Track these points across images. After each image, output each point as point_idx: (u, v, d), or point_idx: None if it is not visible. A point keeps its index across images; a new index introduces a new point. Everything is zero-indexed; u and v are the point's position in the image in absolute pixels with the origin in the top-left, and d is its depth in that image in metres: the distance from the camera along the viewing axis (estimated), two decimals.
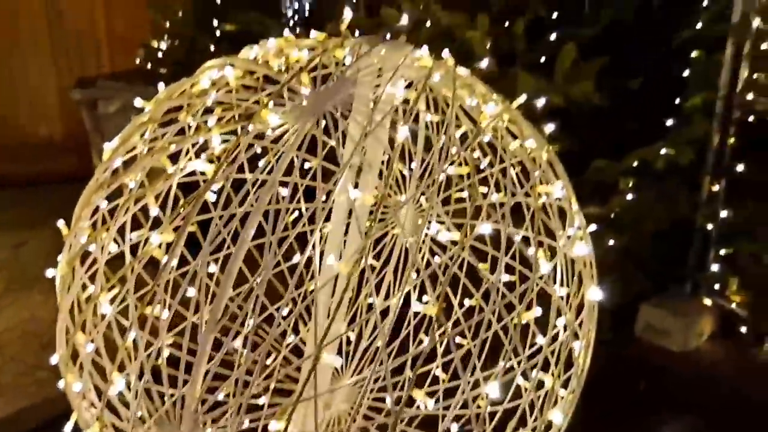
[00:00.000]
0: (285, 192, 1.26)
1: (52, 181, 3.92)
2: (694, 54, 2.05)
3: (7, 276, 2.76)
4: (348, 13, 2.62)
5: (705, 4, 2.14)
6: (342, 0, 2.87)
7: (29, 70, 4.16)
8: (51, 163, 4.09)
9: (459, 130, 1.17)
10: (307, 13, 3.47)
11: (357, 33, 2.83)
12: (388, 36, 2.45)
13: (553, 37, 1.97)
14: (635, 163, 1.89)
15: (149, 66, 3.77)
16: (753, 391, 1.98)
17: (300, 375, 1.18)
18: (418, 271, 1.25)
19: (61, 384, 0.98)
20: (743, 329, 2.23)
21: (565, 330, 0.95)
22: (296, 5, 3.55)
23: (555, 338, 0.99)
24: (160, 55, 3.70)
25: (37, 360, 2.15)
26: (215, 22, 3.40)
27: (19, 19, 4.02)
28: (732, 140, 2.15)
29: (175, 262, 1.15)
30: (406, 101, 1.00)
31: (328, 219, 1.12)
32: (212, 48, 3.33)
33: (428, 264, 1.40)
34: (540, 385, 0.96)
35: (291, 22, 3.43)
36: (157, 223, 0.95)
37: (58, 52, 4.13)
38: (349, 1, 2.82)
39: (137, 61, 3.89)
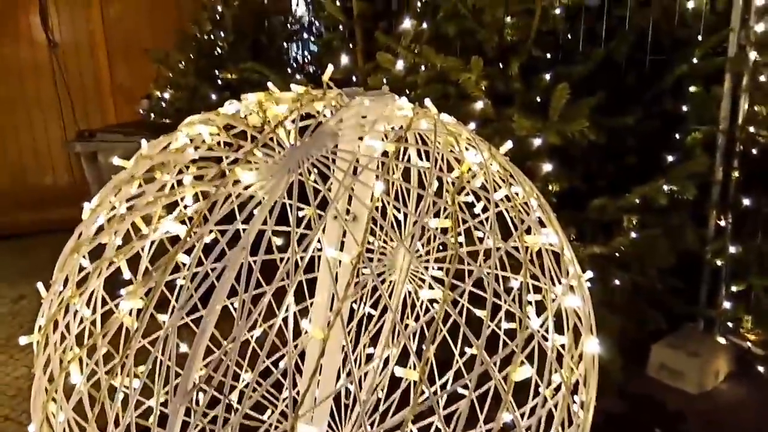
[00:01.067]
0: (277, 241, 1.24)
1: (56, 229, 3.92)
2: (691, 89, 2.03)
3: (6, 331, 2.73)
4: (345, 60, 2.62)
5: (699, 38, 2.13)
6: (340, 47, 2.89)
7: (34, 123, 4.23)
8: (54, 212, 4.11)
9: (452, 174, 1.15)
10: (308, 61, 3.50)
11: (354, 78, 2.84)
12: (385, 80, 2.46)
13: (547, 76, 1.95)
14: (637, 200, 1.85)
15: (152, 116, 3.81)
16: None
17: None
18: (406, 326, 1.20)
19: None
20: (761, 368, 2.15)
21: (559, 388, 0.90)
22: (297, 54, 3.59)
23: (557, 390, 0.94)
24: (163, 104, 3.74)
25: (30, 420, 2.10)
26: (216, 72, 3.44)
27: (25, 74, 4.10)
28: (736, 174, 2.11)
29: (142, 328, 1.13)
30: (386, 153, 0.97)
31: (308, 271, 1.09)
32: (214, 96, 3.36)
33: (427, 310, 1.36)
34: None
35: (290, 71, 3.46)
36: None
37: (63, 105, 4.20)
38: (346, 48, 2.84)
39: (141, 111, 3.94)
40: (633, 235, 1.87)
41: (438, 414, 0.74)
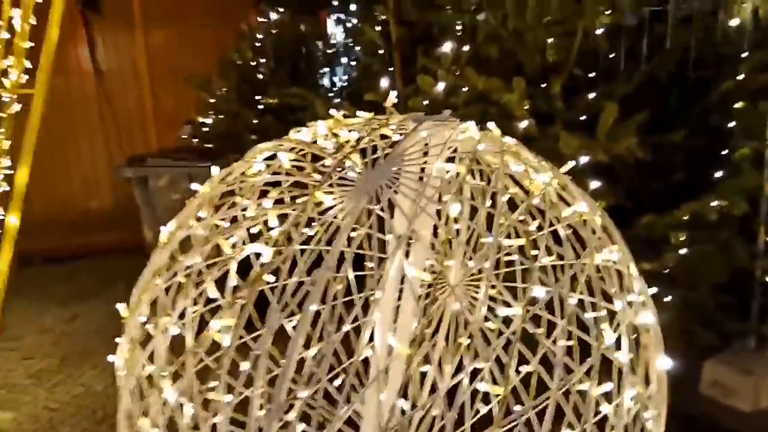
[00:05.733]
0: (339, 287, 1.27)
1: (103, 252, 4.04)
2: (737, 105, 2.03)
3: (62, 351, 2.82)
4: (385, 84, 2.68)
5: (744, 54, 2.13)
6: (379, 71, 2.95)
7: (81, 150, 4.38)
8: (101, 235, 4.24)
9: (506, 194, 1.18)
10: (346, 85, 3.58)
11: (394, 98, 2.90)
12: (425, 102, 2.50)
13: (591, 95, 1.97)
14: (686, 217, 1.85)
15: (195, 141, 3.92)
16: None
17: None
18: (472, 339, 1.22)
19: None
20: None
21: (635, 402, 0.92)
22: (335, 78, 3.67)
23: (618, 406, 0.95)
24: (205, 129, 3.85)
25: None
26: (257, 97, 3.54)
27: (73, 104, 4.26)
28: None
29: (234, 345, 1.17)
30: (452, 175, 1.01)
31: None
32: (255, 121, 3.46)
33: (485, 338, 1.38)
34: None
35: (330, 94, 3.54)
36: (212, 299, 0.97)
37: (109, 132, 4.34)
38: (386, 71, 2.91)
39: (183, 137, 4.06)
40: (682, 251, 1.86)
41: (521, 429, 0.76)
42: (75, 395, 2.44)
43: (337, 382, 1.32)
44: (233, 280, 0.91)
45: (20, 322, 3.13)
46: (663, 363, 0.94)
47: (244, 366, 1.04)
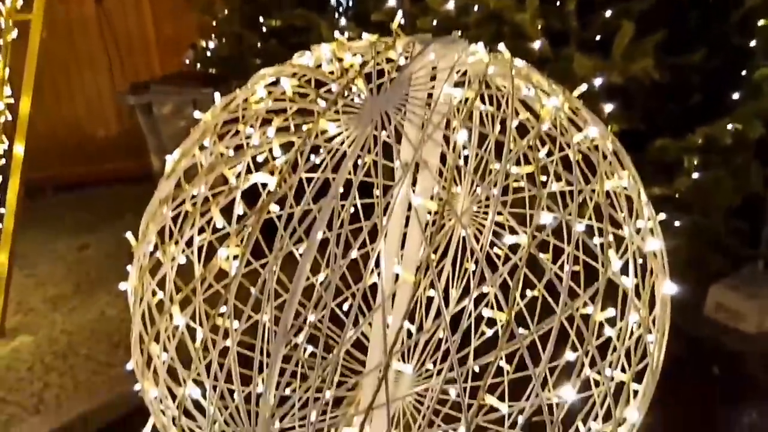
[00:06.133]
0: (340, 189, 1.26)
1: (110, 181, 4.06)
2: (760, 23, 1.94)
3: (75, 278, 2.88)
4: (392, 2, 2.57)
5: None
6: None
7: (85, 77, 4.31)
8: (109, 163, 4.24)
9: (516, 119, 1.15)
10: (352, 5, 3.45)
11: (401, 18, 2.80)
12: (435, 22, 2.41)
13: (607, 13, 1.89)
14: (700, 140, 1.81)
15: (198, 66, 3.84)
16: None
17: (365, 372, 1.19)
18: (480, 268, 1.23)
19: (137, 387, 1.01)
20: None
21: (638, 326, 0.93)
22: None
23: (622, 330, 0.96)
24: (208, 53, 3.76)
25: (109, 358, 2.24)
26: (261, 19, 3.43)
27: (73, 30, 4.16)
28: None
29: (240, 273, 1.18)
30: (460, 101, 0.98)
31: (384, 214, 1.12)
32: (259, 44, 3.36)
33: (488, 257, 1.38)
34: (611, 380, 0.93)
35: (336, 15, 3.42)
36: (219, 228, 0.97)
37: (111, 58, 4.26)
38: None
39: (186, 62, 3.97)
40: (695, 176, 1.84)
41: (525, 351, 0.77)
42: (91, 320, 2.51)
43: (345, 308, 1.35)
44: (239, 208, 0.91)
45: (34, 249, 3.18)
46: (668, 288, 0.94)
47: (253, 292, 1.05)
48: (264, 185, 1.04)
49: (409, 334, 1.60)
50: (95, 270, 2.93)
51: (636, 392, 0.99)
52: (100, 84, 4.34)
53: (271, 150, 0.97)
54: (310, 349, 1.25)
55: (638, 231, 0.97)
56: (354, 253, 1.23)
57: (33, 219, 3.47)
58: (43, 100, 4.07)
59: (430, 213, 1.17)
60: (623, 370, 0.98)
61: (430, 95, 0.99)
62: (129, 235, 1.10)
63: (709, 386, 1.89)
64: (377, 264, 0.80)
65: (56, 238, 3.33)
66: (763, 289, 2.17)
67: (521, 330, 1.35)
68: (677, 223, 1.83)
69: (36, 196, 3.74)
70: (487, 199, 1.41)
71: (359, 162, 1.24)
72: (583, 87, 1.09)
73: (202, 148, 1.03)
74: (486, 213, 1.40)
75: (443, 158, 1.37)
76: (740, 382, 1.91)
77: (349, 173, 0.85)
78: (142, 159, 3.59)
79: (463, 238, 1.47)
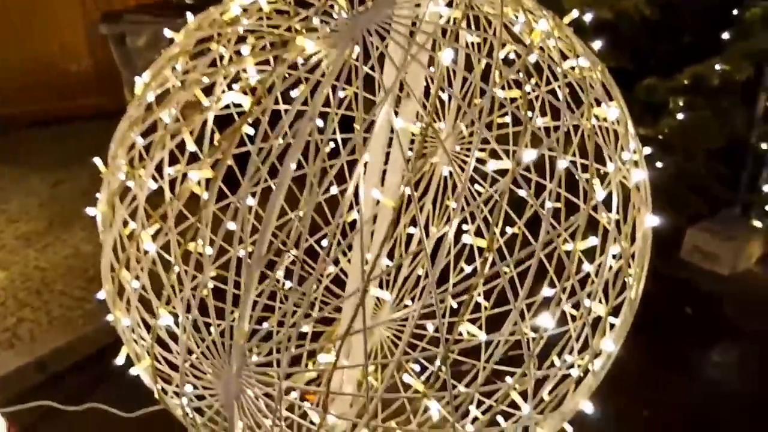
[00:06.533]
0: (320, 123, 1.22)
1: (85, 117, 3.94)
2: None
3: (49, 214, 2.82)
4: None
5: None
6: None
7: (56, 7, 4.11)
8: (83, 99, 4.11)
9: (503, 50, 1.10)
10: None
11: None
12: None
13: None
14: (687, 81, 1.78)
15: None
16: None
17: (344, 305, 1.18)
18: (465, 201, 1.21)
19: (110, 318, 0.99)
20: None
21: (617, 258, 0.92)
22: None
23: (601, 265, 0.96)
24: None
25: (84, 293, 2.22)
26: None
27: None
28: None
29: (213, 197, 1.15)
30: (447, 20, 0.93)
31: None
32: None
33: (470, 193, 1.36)
34: (589, 312, 0.93)
35: None
36: (194, 158, 0.93)
37: None
38: None
39: None
40: (680, 116, 1.82)
41: (506, 284, 0.76)
42: (65, 256, 2.47)
43: (324, 244, 1.32)
44: (211, 131, 0.87)
45: (6, 186, 3.10)
46: (649, 221, 0.93)
47: (232, 226, 1.02)
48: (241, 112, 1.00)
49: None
50: (69, 206, 2.87)
51: (612, 325, 1.00)
52: (71, 14, 4.15)
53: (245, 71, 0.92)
54: (290, 285, 1.24)
55: (623, 163, 0.95)
56: (334, 189, 1.20)
57: (5, 155, 3.37)
58: (12, 33, 3.89)
59: (411, 148, 1.13)
60: (601, 303, 0.98)
61: (417, 16, 0.94)
62: (97, 160, 1.05)
63: (682, 325, 1.93)
64: (357, 192, 0.77)
65: (29, 175, 3.24)
66: (739, 232, 2.20)
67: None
68: (659, 164, 1.82)
69: (9, 133, 3.62)
70: (472, 134, 1.38)
71: (342, 94, 1.19)
72: (575, 13, 1.05)
73: (174, 69, 0.98)
74: (469, 150, 1.37)
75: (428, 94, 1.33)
76: (712, 321, 1.95)
77: (328, 97, 0.81)
78: (118, 94, 3.47)
79: (445, 177, 1.44)
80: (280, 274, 1.38)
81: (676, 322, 1.94)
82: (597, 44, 1.79)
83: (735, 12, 1.95)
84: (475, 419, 1.17)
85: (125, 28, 2.97)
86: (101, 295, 1.02)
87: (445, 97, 1.36)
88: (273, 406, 0.79)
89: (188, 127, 0.85)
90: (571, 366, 0.95)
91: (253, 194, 1.26)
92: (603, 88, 1.00)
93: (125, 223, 0.95)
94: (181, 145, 0.96)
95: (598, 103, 0.97)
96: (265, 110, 0.81)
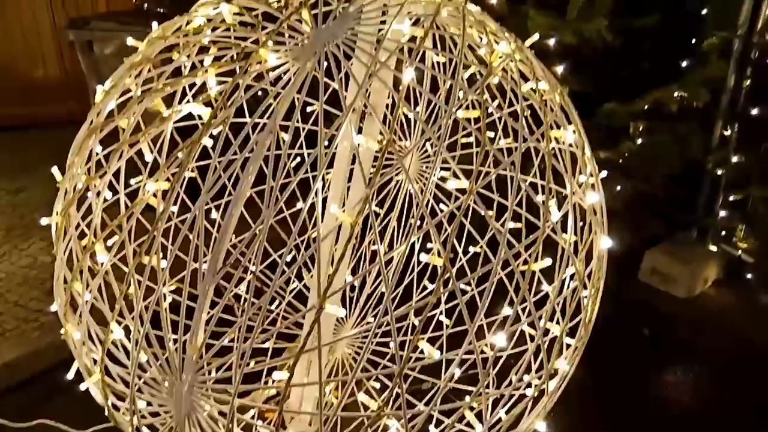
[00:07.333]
0: (286, 137, 1.22)
1: (50, 124, 3.86)
2: None
3: (7, 222, 2.74)
4: None
5: None
6: None
7: (23, 10, 4.04)
8: (49, 106, 4.03)
9: (467, 71, 1.12)
10: None
11: None
12: None
13: None
14: (647, 106, 1.83)
15: (146, 5, 3.64)
16: (759, 335, 1.99)
17: (304, 322, 1.17)
18: (422, 219, 1.22)
19: (62, 331, 0.97)
20: (749, 275, 2.22)
21: (572, 279, 0.93)
22: None
23: (562, 286, 0.97)
24: None
25: (41, 305, 2.15)
26: None
27: None
28: (748, 82, 2.08)
29: (176, 209, 1.13)
30: (412, 40, 0.94)
31: (331, 165, 1.09)
32: None
33: (433, 211, 1.37)
34: (546, 332, 0.94)
35: None
36: (156, 169, 0.91)
37: None
38: None
39: (133, 1, 3.76)
40: (640, 141, 1.86)
41: (462, 304, 0.76)
42: (22, 266, 2.40)
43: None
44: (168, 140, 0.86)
45: None
46: (605, 243, 0.95)
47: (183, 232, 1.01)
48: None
49: (352, 288, 1.59)
50: (29, 215, 2.78)
51: (569, 345, 1.01)
52: (38, 20, 4.07)
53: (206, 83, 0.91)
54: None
55: (580, 185, 0.97)
56: (300, 204, 1.20)
57: None
58: None
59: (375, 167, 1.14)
60: (558, 324, 0.99)
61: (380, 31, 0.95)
62: (54, 169, 1.03)
63: (639, 346, 1.96)
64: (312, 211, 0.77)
65: None
66: (695, 255, 2.25)
67: (462, 285, 1.36)
68: (618, 187, 1.86)
69: None
70: (436, 154, 1.39)
71: (308, 110, 1.19)
72: (536, 36, 1.07)
73: (136, 78, 0.97)
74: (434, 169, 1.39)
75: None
76: (668, 343, 1.98)
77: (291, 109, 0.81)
78: (86, 101, 3.41)
79: (409, 195, 1.45)
80: (242, 288, 1.37)
81: (633, 343, 1.97)
82: (560, 68, 1.85)
83: (693, 41, 2.02)
84: None
85: (92, 35, 2.93)
86: (54, 307, 0.99)
87: (411, 115, 1.38)
88: (227, 424, 0.77)
89: (147, 137, 0.84)
90: (528, 386, 0.96)
91: (218, 208, 1.25)
92: (562, 111, 1.02)
93: (82, 235, 0.93)
94: (143, 157, 0.95)
95: (558, 126, 0.99)
96: (226, 121, 0.81)
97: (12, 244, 2.55)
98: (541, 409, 0.96)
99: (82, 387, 0.95)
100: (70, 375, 0.98)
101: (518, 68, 0.93)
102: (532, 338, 1.04)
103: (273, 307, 1.48)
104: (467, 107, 1.02)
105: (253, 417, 1.25)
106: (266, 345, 1.38)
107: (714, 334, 2.01)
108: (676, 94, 1.84)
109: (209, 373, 0.81)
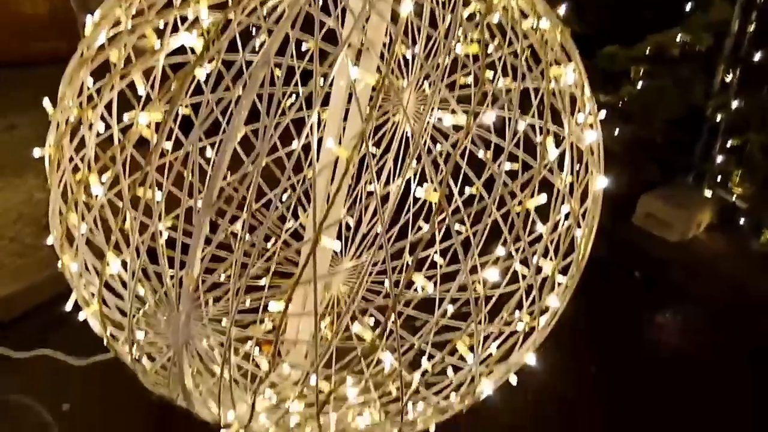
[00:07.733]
0: (279, 73, 1.20)
1: (40, 62, 3.77)
2: None
3: (1, 159, 2.72)
4: None
5: None
6: None
7: None
8: (39, 43, 3.93)
9: (467, 8, 1.09)
10: None
11: None
12: None
13: None
14: (649, 50, 1.80)
15: None
16: (750, 280, 2.02)
17: (300, 258, 1.19)
18: (419, 158, 1.21)
19: (59, 264, 0.97)
20: (742, 221, 2.24)
21: (567, 218, 0.94)
22: None
23: (556, 226, 0.98)
24: None
25: (37, 241, 2.16)
26: None
27: None
28: (752, 26, 2.04)
29: (170, 145, 1.12)
30: None
31: (326, 103, 1.07)
32: None
33: (429, 151, 1.36)
34: (538, 270, 0.96)
35: None
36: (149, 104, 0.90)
37: None
38: None
39: None
40: (641, 85, 1.84)
41: (457, 243, 0.77)
42: (18, 203, 2.39)
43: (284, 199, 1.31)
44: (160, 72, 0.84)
45: None
46: (600, 182, 0.95)
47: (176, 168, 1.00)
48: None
49: (348, 227, 1.60)
50: (23, 152, 2.76)
51: (560, 284, 1.02)
52: None
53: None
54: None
55: (578, 124, 0.97)
56: (296, 143, 1.19)
57: None
58: None
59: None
60: (551, 261, 1.00)
61: None
62: (46, 101, 1.02)
63: (631, 289, 1.99)
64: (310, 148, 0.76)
65: None
66: (690, 200, 2.26)
67: (458, 226, 1.37)
68: (617, 131, 1.85)
69: None
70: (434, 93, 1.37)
71: (304, 47, 1.17)
72: None
73: (126, 9, 0.94)
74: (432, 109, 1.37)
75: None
76: (660, 286, 2.01)
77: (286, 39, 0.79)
78: (75, 38, 3.33)
79: (406, 137, 1.44)
80: (238, 227, 1.37)
81: (625, 285, 2.01)
82: (561, 9, 1.80)
83: None
84: (426, 372, 1.20)
85: None
86: (50, 240, 0.99)
87: (408, 54, 1.35)
88: (224, 352, 0.79)
89: (139, 69, 0.83)
90: (520, 321, 0.98)
91: (213, 145, 1.24)
92: (562, 50, 1.01)
93: (76, 168, 0.93)
94: (135, 90, 0.94)
95: (558, 64, 0.97)
96: (219, 54, 0.79)
97: (6, 181, 2.54)
98: (531, 344, 0.99)
99: (81, 317, 0.96)
100: (68, 307, 0.99)
101: (519, 5, 0.91)
102: (525, 278, 1.05)
103: (269, 245, 1.50)
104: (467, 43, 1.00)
105: (250, 348, 1.28)
106: (262, 282, 1.40)
107: (706, 279, 2.05)
108: (678, 38, 1.80)
109: (206, 305, 0.82)
